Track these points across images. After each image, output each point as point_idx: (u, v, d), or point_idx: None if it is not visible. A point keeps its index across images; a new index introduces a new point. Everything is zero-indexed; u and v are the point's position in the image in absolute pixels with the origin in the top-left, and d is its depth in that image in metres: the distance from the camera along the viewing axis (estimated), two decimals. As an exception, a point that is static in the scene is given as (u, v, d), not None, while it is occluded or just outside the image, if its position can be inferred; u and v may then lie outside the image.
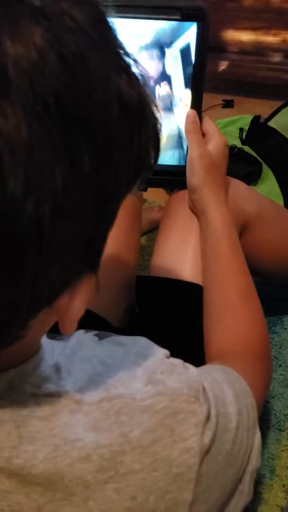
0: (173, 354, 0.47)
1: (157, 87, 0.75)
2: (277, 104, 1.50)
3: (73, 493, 0.37)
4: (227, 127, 1.49)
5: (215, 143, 0.74)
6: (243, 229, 0.81)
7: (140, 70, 0.34)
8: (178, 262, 0.78)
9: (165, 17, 0.69)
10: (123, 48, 0.34)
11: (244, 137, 1.45)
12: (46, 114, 0.28)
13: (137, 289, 0.80)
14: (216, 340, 0.65)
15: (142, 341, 0.48)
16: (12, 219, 0.28)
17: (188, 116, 0.73)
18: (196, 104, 0.74)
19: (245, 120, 1.50)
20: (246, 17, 1.65)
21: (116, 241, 0.79)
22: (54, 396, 0.39)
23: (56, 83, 0.28)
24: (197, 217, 0.77)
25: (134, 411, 0.39)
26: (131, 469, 0.38)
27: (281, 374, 0.94)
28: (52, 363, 0.41)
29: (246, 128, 1.48)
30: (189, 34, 0.70)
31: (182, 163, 0.77)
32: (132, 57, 0.34)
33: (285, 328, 1.02)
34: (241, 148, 1.39)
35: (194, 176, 0.73)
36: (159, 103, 0.75)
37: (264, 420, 0.87)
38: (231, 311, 0.66)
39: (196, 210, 0.76)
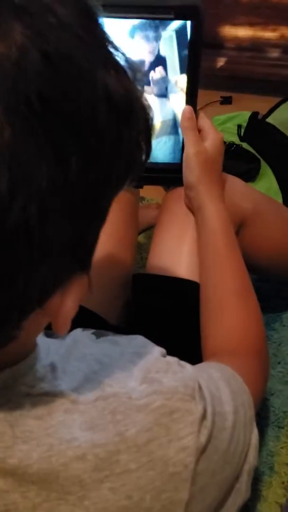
0: (170, 352, 0.47)
1: (152, 71, 0.73)
2: (276, 100, 1.49)
3: (69, 492, 0.37)
4: (225, 124, 1.49)
5: (212, 140, 0.73)
6: (240, 226, 0.81)
7: (130, 64, 0.33)
8: (175, 260, 0.77)
9: (158, 16, 0.69)
10: (111, 43, 0.33)
11: (242, 134, 1.45)
12: (30, 113, 0.28)
13: (133, 287, 0.80)
14: (212, 338, 0.65)
15: (138, 340, 0.48)
16: None
17: (184, 113, 0.73)
18: (192, 101, 0.74)
19: (243, 117, 1.49)
20: (243, 13, 1.65)
21: (112, 239, 0.79)
22: (49, 395, 0.38)
23: (39, 82, 0.28)
24: (193, 214, 0.77)
25: (130, 410, 0.39)
26: (126, 468, 0.38)
27: (280, 371, 0.94)
28: (47, 363, 0.40)
29: (244, 124, 1.48)
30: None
31: (178, 160, 0.76)
32: (120, 51, 0.33)
33: (284, 325, 1.01)
34: (239, 145, 1.39)
35: (191, 173, 0.73)
36: (153, 88, 0.74)
37: (263, 417, 0.87)
38: (228, 308, 0.66)
39: (192, 207, 0.76)
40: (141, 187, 0.82)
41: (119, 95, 0.32)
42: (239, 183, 0.83)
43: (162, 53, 0.72)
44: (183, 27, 0.70)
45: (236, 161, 1.31)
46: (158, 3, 0.69)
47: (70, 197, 0.30)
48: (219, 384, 0.47)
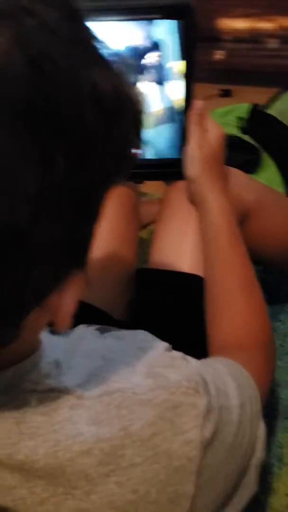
0: (174, 347, 0.47)
1: (147, 58, 0.72)
2: (275, 91, 1.48)
3: (75, 487, 0.37)
4: (225, 117, 1.48)
5: (214, 134, 0.73)
6: (243, 218, 0.80)
7: (119, 56, 0.33)
8: (177, 254, 0.77)
9: (147, 17, 0.68)
10: (96, 39, 0.33)
11: (243, 126, 1.44)
12: (14, 119, 0.27)
13: (137, 282, 0.80)
14: (218, 332, 0.65)
15: (142, 335, 0.48)
16: None
17: (195, 108, 0.73)
18: (187, 97, 0.73)
19: (243, 109, 1.49)
20: (239, 4, 1.64)
21: (114, 235, 0.79)
22: (55, 392, 0.39)
23: (23, 86, 0.28)
24: (196, 208, 0.76)
25: (134, 404, 0.39)
26: (132, 462, 0.38)
27: (287, 362, 0.94)
28: (52, 360, 0.41)
29: (245, 116, 1.47)
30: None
31: (177, 151, 0.76)
32: (106, 46, 0.33)
33: (289, 317, 1.01)
34: (239, 137, 1.38)
35: (193, 167, 0.73)
36: (148, 75, 0.72)
37: (271, 409, 0.87)
38: (233, 303, 0.66)
39: (195, 201, 0.76)
40: (141, 183, 0.82)
41: (107, 92, 0.32)
42: (241, 175, 0.83)
43: (157, 38, 0.71)
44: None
45: (235, 153, 1.30)
46: (147, 4, 0.68)
47: (59, 198, 0.30)
48: (225, 378, 0.47)
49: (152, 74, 0.73)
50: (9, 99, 0.27)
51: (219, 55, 1.69)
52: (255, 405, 0.49)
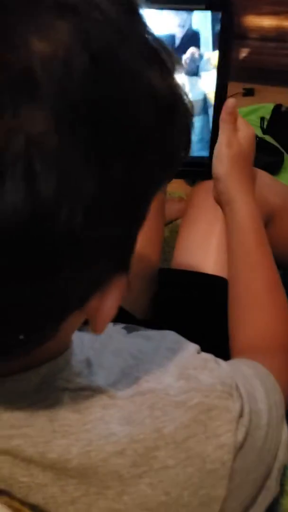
0: None
1: (183, 46, 0.72)
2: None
3: (108, 487, 0.37)
4: (248, 117, 1.47)
5: (244, 134, 0.73)
6: (268, 220, 0.80)
7: (172, 58, 0.32)
8: (202, 255, 0.77)
9: (190, 7, 0.69)
10: (153, 37, 0.32)
11: (265, 127, 1.43)
12: (76, 117, 0.27)
13: (160, 282, 0.80)
14: (242, 335, 0.65)
15: (171, 336, 0.48)
16: (45, 225, 0.27)
17: (227, 105, 0.72)
18: (222, 93, 0.73)
19: (266, 109, 1.48)
20: (267, 2, 1.62)
21: (143, 236, 0.78)
22: (86, 390, 0.39)
23: (86, 85, 0.27)
24: (221, 208, 0.76)
25: (168, 406, 0.39)
26: (165, 464, 0.38)
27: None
28: (83, 358, 0.41)
29: (267, 117, 1.46)
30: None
31: (205, 154, 0.76)
32: (163, 45, 0.32)
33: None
34: (262, 138, 1.37)
35: (222, 165, 0.72)
36: (184, 66, 0.72)
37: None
38: (258, 306, 0.66)
39: (221, 201, 0.76)
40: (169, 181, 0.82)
41: (164, 92, 0.31)
42: (266, 176, 0.83)
43: (194, 27, 0.70)
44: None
45: (259, 154, 1.29)
46: None
47: (115, 202, 0.30)
48: (253, 382, 0.47)
49: (187, 65, 0.72)
50: (72, 97, 0.27)
51: (244, 53, 1.68)
52: (280, 409, 0.49)
